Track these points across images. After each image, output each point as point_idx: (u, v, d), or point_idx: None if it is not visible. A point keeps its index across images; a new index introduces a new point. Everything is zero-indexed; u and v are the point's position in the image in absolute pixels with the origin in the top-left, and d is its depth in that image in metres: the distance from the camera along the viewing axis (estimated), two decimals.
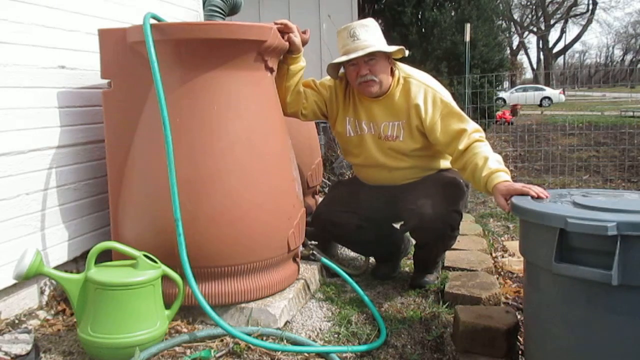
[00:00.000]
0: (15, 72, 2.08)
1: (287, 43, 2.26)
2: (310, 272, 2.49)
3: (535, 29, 39.25)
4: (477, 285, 2.42)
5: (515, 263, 3.04)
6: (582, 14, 39.22)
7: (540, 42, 39.20)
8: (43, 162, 2.21)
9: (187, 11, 3.17)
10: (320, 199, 3.11)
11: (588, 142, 7.79)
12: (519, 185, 1.92)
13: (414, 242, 2.69)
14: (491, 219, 4.34)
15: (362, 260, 2.91)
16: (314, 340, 2.01)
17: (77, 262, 2.40)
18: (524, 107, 17.30)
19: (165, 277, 1.92)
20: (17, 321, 2.09)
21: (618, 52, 54.06)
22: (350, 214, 2.55)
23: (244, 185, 2.06)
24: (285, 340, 1.95)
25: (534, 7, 38.80)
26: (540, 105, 22.02)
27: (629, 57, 49.74)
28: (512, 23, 33.22)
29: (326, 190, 3.96)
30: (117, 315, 1.78)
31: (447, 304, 2.31)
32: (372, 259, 2.84)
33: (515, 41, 38.39)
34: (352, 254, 3.00)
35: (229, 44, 2.03)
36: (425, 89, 2.40)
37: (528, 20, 40.16)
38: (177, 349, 1.88)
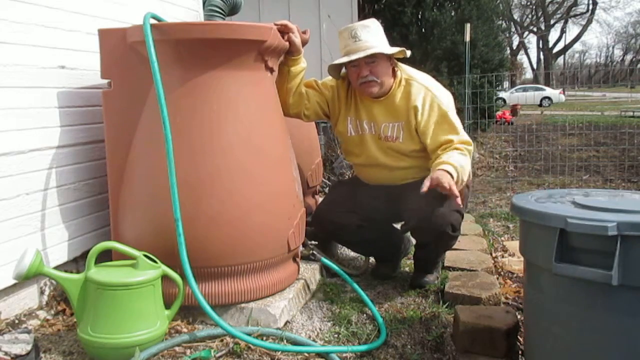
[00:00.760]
0: (15, 72, 2.08)
1: (287, 43, 2.26)
2: (310, 272, 2.49)
3: (535, 29, 39.25)
4: (477, 285, 2.42)
5: (515, 263, 3.04)
6: (582, 14, 39.24)
7: (540, 42, 39.20)
8: (43, 162, 2.21)
9: (187, 11, 3.17)
10: (320, 199, 3.11)
11: (588, 142, 7.79)
12: (447, 180, 2.11)
13: (414, 242, 2.69)
14: (491, 219, 4.35)
15: (362, 260, 2.91)
16: (314, 340, 2.01)
17: (77, 262, 2.40)
18: (524, 107, 17.29)
19: (165, 277, 1.91)
20: (17, 321, 2.08)
21: (618, 52, 54.05)
22: (351, 213, 2.55)
23: (244, 185, 2.06)
24: (285, 340, 1.95)
25: (534, 7, 38.80)
26: (540, 105, 22.00)
27: (629, 57, 49.73)
28: (512, 23, 33.23)
29: (326, 190, 3.96)
30: (117, 315, 1.78)
31: (447, 304, 2.31)
32: (372, 259, 2.84)
33: (515, 41, 38.42)
34: (352, 254, 3.00)
35: (229, 44, 2.03)
36: (426, 92, 2.40)
37: (528, 20, 40.18)
38: (177, 349, 1.88)
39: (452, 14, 7.89)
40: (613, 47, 55.26)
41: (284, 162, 2.24)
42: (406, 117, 2.41)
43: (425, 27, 7.83)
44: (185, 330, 2.02)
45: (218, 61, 2.05)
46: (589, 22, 38.04)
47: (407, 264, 2.85)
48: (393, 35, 7.46)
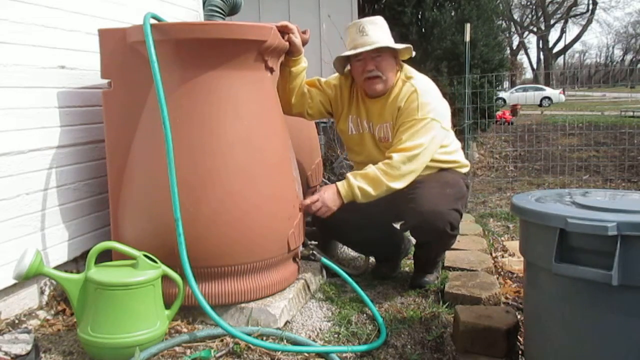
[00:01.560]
0: (15, 72, 2.08)
1: (287, 43, 2.26)
2: (310, 272, 2.49)
3: (535, 29, 39.24)
4: (477, 285, 2.42)
5: (515, 263, 3.04)
6: (582, 14, 39.24)
7: (540, 42, 39.20)
8: (43, 162, 2.21)
9: (187, 11, 3.17)
10: None
11: (588, 142, 7.79)
12: (308, 201, 2.30)
13: (414, 242, 2.69)
14: (491, 219, 4.34)
15: (362, 260, 2.91)
16: (314, 340, 2.01)
17: (77, 262, 2.40)
18: (524, 107, 17.29)
19: (165, 277, 1.92)
20: (17, 321, 2.09)
21: (618, 52, 54.09)
22: (351, 213, 2.55)
23: (244, 185, 2.06)
24: (285, 340, 1.95)
25: (534, 7, 38.81)
26: (540, 105, 22.01)
27: (629, 57, 49.77)
28: (512, 23, 33.24)
29: None
30: (117, 315, 1.78)
31: (447, 304, 2.31)
32: (372, 259, 2.84)
33: (515, 41, 38.44)
34: (352, 254, 3.00)
35: (229, 44, 2.03)
36: (412, 93, 2.38)
37: (528, 20, 40.18)
38: (177, 349, 1.88)
39: (452, 14, 7.88)
40: (613, 47, 55.34)
41: (284, 162, 2.24)
42: (392, 117, 2.42)
43: (425, 27, 7.82)
44: (185, 330, 2.02)
45: (218, 61, 2.05)
46: (589, 22, 38.06)
47: (407, 264, 2.85)
48: (393, 35, 7.45)
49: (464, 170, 2.64)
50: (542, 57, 39.13)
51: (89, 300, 1.82)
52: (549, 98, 23.59)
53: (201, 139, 2.03)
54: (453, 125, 2.95)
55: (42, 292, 2.25)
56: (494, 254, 3.20)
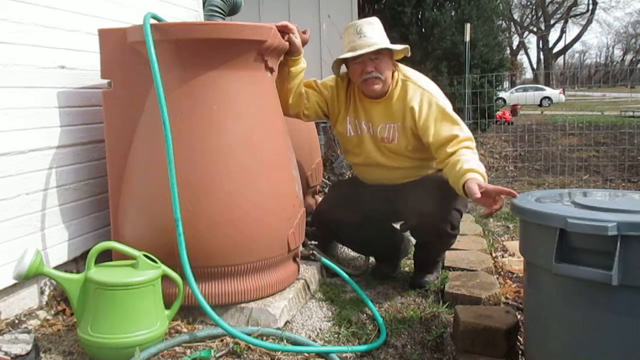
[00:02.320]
0: (15, 72, 2.08)
1: (287, 43, 2.26)
2: (310, 272, 2.49)
3: (535, 29, 39.26)
4: (477, 285, 2.42)
5: (515, 263, 3.04)
6: (582, 14, 39.24)
7: (540, 42, 39.20)
8: (43, 162, 2.21)
9: (187, 11, 3.17)
10: (320, 199, 3.11)
11: (588, 142, 7.78)
12: (497, 206, 2.08)
13: (414, 242, 2.69)
14: (491, 219, 4.34)
15: (362, 260, 2.91)
16: (314, 340, 2.01)
17: (77, 262, 2.40)
18: (524, 107, 17.28)
19: (165, 277, 1.91)
20: (17, 321, 2.08)
21: (618, 52, 54.06)
22: (351, 213, 2.55)
23: (244, 185, 2.06)
24: (285, 340, 1.95)
25: (534, 7, 38.81)
26: (540, 105, 22.01)
27: (629, 57, 49.73)
28: (512, 23, 33.24)
29: (326, 190, 3.96)
30: (117, 315, 1.78)
31: (447, 304, 2.31)
32: (372, 259, 2.84)
33: (515, 41, 38.42)
34: (352, 254, 3.00)
35: (229, 44, 2.03)
36: (422, 92, 2.40)
37: (528, 20, 40.19)
38: (177, 349, 1.88)
39: (452, 14, 7.89)
40: (613, 47, 55.31)
41: (284, 162, 2.24)
42: (402, 119, 2.41)
43: (425, 27, 7.83)
44: (185, 330, 2.02)
45: (218, 61, 2.05)
46: (589, 22, 38.08)
47: (407, 264, 2.85)
48: (393, 35, 7.43)
49: None
50: (542, 57, 39.15)
51: (89, 300, 1.82)
52: (549, 98, 23.60)
53: (201, 139, 2.03)
54: None
55: (42, 292, 2.25)
56: (494, 254, 3.20)
